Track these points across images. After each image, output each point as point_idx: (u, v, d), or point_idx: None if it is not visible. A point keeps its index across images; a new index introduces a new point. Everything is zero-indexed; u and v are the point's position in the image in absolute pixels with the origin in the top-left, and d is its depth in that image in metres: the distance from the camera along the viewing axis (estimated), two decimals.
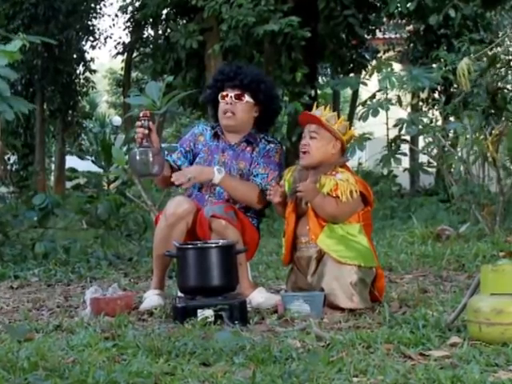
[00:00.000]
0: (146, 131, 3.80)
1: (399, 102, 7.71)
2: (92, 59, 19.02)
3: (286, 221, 3.90)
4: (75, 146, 21.11)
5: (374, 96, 7.71)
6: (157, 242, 3.95)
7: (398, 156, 7.82)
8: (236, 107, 3.99)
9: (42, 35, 8.26)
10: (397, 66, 9.63)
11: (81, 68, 18.94)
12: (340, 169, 3.81)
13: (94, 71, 19.15)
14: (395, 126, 7.62)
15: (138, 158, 3.76)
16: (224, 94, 4.02)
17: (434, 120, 7.94)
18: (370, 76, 8.03)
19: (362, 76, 10.09)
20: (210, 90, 4.16)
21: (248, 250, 3.92)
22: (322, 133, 3.80)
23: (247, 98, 4.00)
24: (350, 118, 18.94)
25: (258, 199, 3.97)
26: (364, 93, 20.63)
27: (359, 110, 8.75)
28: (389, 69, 7.79)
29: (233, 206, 3.90)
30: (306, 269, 3.83)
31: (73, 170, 7.84)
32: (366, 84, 8.56)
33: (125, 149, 6.44)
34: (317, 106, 3.94)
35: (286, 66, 11.60)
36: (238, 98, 4.00)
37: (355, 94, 19.93)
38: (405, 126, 7.38)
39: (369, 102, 7.64)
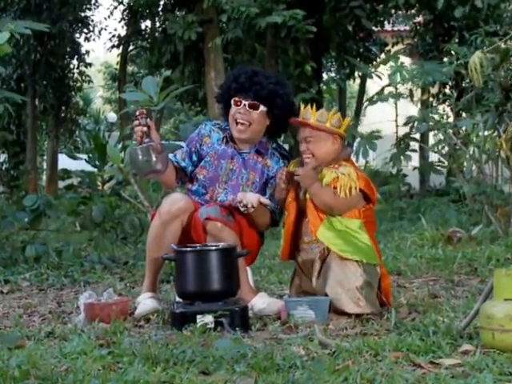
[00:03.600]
0: (145, 129, 3.78)
1: (411, 95, 7.71)
2: (87, 52, 19.02)
3: (287, 210, 3.92)
4: (69, 143, 21.13)
5: (382, 91, 7.71)
6: (150, 240, 3.95)
7: (407, 153, 7.83)
8: (251, 117, 3.96)
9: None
10: (406, 60, 9.61)
11: (75, 62, 18.95)
12: (344, 162, 3.84)
13: (90, 65, 19.14)
14: (406, 124, 7.61)
15: (139, 155, 3.74)
16: (237, 99, 3.98)
17: (445, 116, 7.94)
18: (376, 68, 8.03)
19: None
20: (222, 92, 4.10)
21: (248, 254, 3.92)
22: (317, 134, 3.84)
23: (262, 107, 3.98)
24: (357, 114, 18.95)
25: (266, 226, 4.05)
26: (371, 88, 20.63)
27: (366, 105, 8.76)
28: (398, 62, 7.79)
29: (229, 207, 3.90)
30: (311, 271, 3.84)
31: (65, 171, 7.85)
32: (380, 78, 8.55)
33: (119, 146, 6.45)
34: (311, 105, 3.93)
35: (291, 60, 11.60)
36: (253, 107, 3.97)
37: (362, 90, 19.92)
38: (415, 123, 7.38)
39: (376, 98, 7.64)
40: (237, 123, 3.97)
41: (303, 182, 3.79)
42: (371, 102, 7.74)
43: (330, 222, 3.77)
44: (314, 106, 3.88)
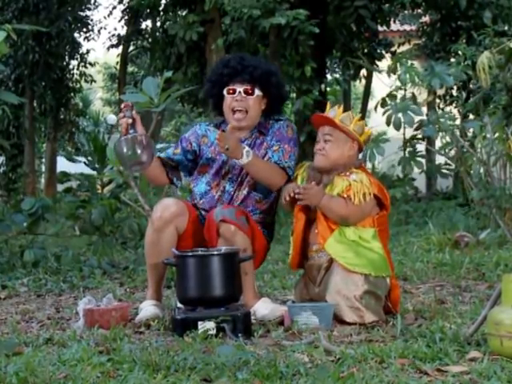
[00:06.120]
0: (130, 120, 3.79)
1: (414, 99, 7.70)
2: (88, 51, 19.01)
3: (295, 218, 3.89)
4: (69, 145, 21.12)
5: (392, 94, 7.68)
6: (147, 248, 3.96)
7: (418, 159, 7.80)
8: (247, 103, 3.97)
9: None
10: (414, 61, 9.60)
11: (74, 62, 18.94)
12: (355, 169, 3.82)
13: (91, 64, 19.11)
14: (417, 129, 7.59)
15: (124, 147, 3.73)
16: (231, 88, 3.98)
17: (452, 118, 7.93)
18: (394, 73, 8.01)
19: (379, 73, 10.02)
20: (212, 84, 4.10)
21: (255, 258, 3.93)
22: (337, 134, 3.82)
23: (257, 91, 3.99)
24: (363, 115, 18.95)
25: (278, 180, 3.95)
26: (376, 89, 20.62)
27: (372, 106, 8.73)
28: (409, 63, 7.78)
29: (244, 211, 3.90)
30: (316, 278, 3.84)
31: (64, 174, 7.85)
32: (389, 75, 8.52)
33: None
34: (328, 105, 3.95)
35: (293, 61, 11.61)
36: (249, 92, 3.98)
37: (367, 90, 19.93)
38: (425, 126, 7.35)
39: (389, 102, 7.61)
40: (234, 112, 3.98)
41: (310, 203, 3.76)
42: (383, 105, 7.70)
43: (343, 232, 3.75)
44: (342, 107, 3.86)
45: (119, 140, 3.78)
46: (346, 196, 3.73)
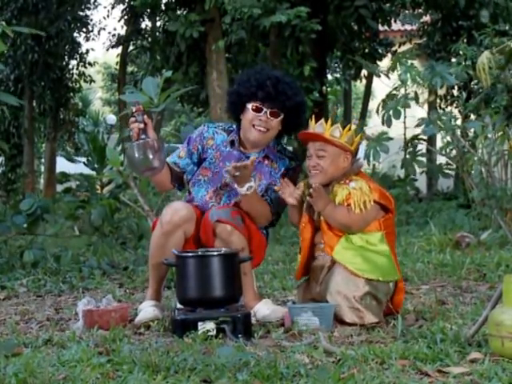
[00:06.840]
0: (142, 125, 3.75)
1: (416, 98, 7.71)
2: (87, 51, 19.00)
3: (301, 235, 3.90)
4: (69, 145, 21.13)
5: (392, 94, 7.69)
6: (152, 250, 3.95)
7: (419, 158, 7.81)
8: (270, 124, 3.96)
9: (33, 27, 8.27)
10: (413, 62, 9.62)
11: (74, 62, 18.94)
12: (354, 177, 3.81)
13: (91, 64, 19.10)
14: (417, 126, 7.60)
15: (136, 152, 3.71)
16: (258, 106, 3.95)
17: (452, 119, 7.94)
18: (393, 71, 8.01)
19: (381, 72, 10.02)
20: (237, 94, 4.04)
21: (254, 258, 3.92)
22: (330, 149, 3.80)
23: (281, 115, 3.98)
24: (363, 115, 18.96)
25: (262, 220, 4.00)
26: (377, 89, 20.62)
27: (372, 106, 8.73)
28: (409, 62, 7.79)
29: (240, 211, 3.89)
30: (319, 276, 3.84)
31: (64, 174, 7.87)
32: (388, 77, 8.53)
33: (119, 149, 6.45)
34: (317, 117, 3.92)
35: (293, 60, 11.61)
36: (274, 115, 3.97)
37: (368, 90, 19.94)
38: (426, 126, 7.37)
39: (388, 102, 7.61)
40: (254, 127, 3.96)
41: (316, 205, 3.74)
42: (384, 106, 7.71)
43: (349, 239, 3.74)
44: (329, 120, 3.85)
45: (131, 145, 3.76)
46: (346, 205, 3.72)
